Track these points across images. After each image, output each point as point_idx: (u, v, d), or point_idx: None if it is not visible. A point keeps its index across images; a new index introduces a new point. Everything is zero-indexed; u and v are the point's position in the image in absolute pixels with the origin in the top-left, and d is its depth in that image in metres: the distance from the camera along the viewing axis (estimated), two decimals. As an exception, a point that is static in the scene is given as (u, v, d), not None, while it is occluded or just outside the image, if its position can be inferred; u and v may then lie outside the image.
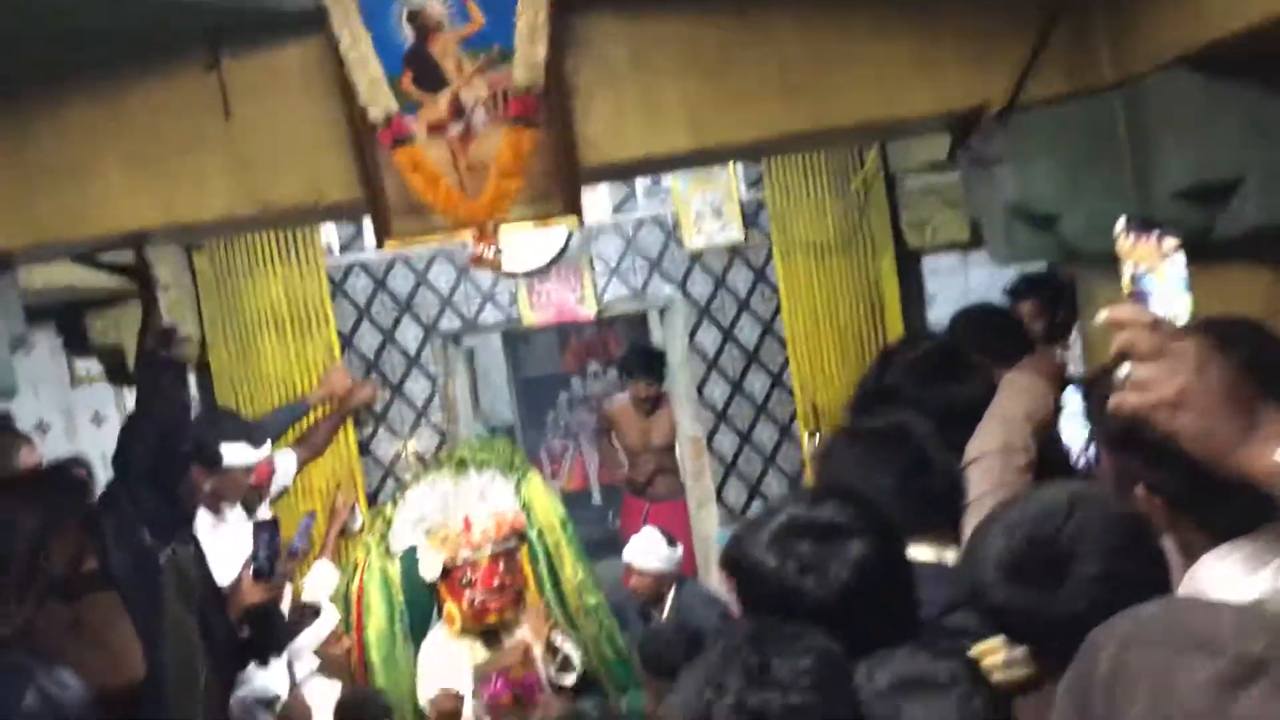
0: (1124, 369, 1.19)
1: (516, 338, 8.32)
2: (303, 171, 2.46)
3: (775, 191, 4.73)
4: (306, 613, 3.87)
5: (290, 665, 3.88)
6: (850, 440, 1.88)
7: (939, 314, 4.88)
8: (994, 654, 1.36)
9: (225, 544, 3.51)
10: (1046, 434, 2.05)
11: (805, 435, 4.82)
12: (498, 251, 2.27)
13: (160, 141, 2.46)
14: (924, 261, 4.89)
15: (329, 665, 3.95)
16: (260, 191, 2.47)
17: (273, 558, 3.48)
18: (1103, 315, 1.24)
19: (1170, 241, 1.45)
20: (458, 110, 2.37)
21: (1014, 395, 2.03)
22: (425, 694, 4.20)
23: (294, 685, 3.74)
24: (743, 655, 1.31)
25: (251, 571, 3.31)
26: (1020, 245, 2.74)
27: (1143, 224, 1.44)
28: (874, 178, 4.70)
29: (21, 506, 2.55)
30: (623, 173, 2.82)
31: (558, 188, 2.43)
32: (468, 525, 4.31)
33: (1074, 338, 4.24)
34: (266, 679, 3.51)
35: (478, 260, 2.30)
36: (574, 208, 2.46)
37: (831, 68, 2.49)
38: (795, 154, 4.67)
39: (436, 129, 2.37)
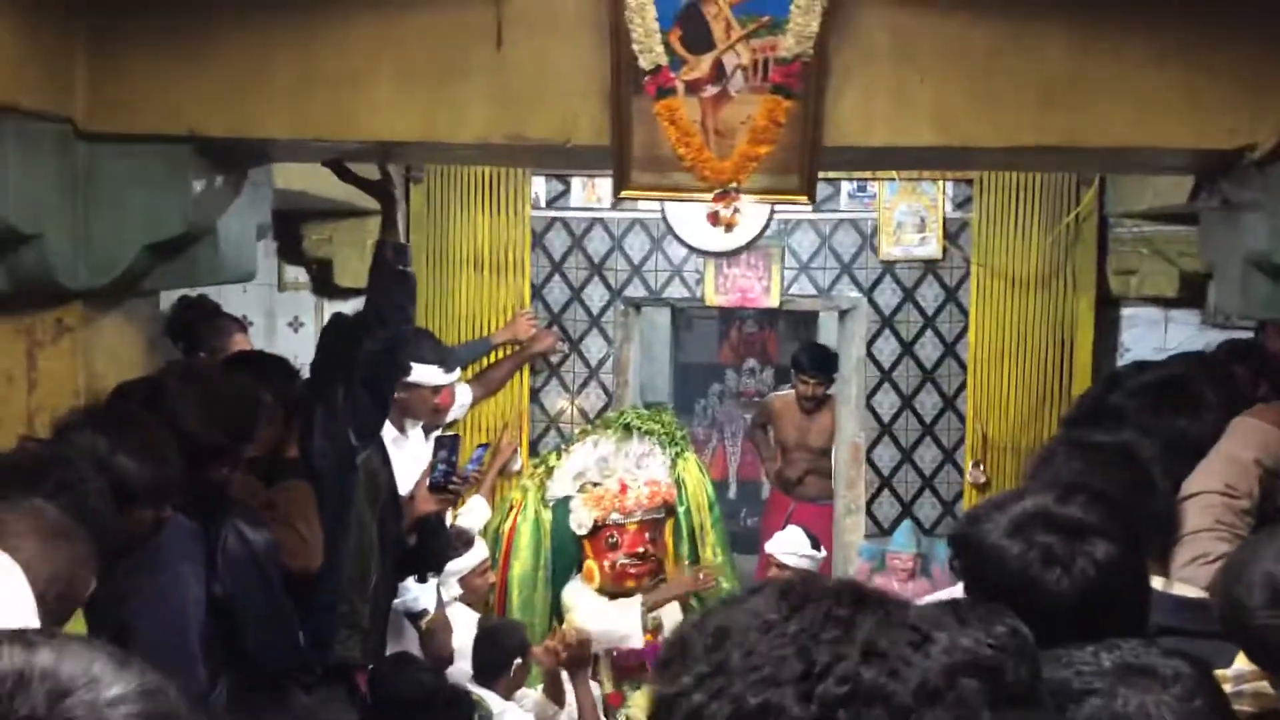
0: None
1: (684, 321, 8.40)
2: (559, 110, 2.55)
3: (982, 214, 4.67)
4: (460, 540, 4.02)
5: (439, 586, 4.04)
6: (1073, 450, 1.86)
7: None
8: (1226, 680, 1.34)
9: (405, 459, 3.67)
10: (1272, 483, 1.99)
11: (969, 463, 4.75)
12: (737, 211, 2.32)
13: (432, 62, 2.58)
14: (1123, 311, 4.76)
15: (470, 595, 4.09)
16: (515, 123, 2.57)
17: (449, 473, 3.62)
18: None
19: None
20: (718, 73, 2.42)
21: (1244, 438, 1.98)
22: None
23: (440, 605, 3.89)
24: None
25: (429, 483, 3.47)
26: (1256, 298, 2.65)
27: None
28: (1087, 218, 4.59)
29: (237, 382, 2.75)
30: (863, 160, 2.84)
31: (798, 164, 2.46)
32: (623, 488, 4.41)
33: None
34: (420, 592, 3.67)
35: (714, 219, 2.35)
36: (809, 187, 2.50)
37: (1095, 87, 2.46)
38: (1010, 179, 4.61)
39: (694, 87, 2.43)
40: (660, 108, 2.36)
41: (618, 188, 2.53)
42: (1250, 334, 4.13)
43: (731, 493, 8.26)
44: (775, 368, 8.78)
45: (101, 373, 2.70)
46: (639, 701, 3.54)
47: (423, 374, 3.77)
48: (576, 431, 4.71)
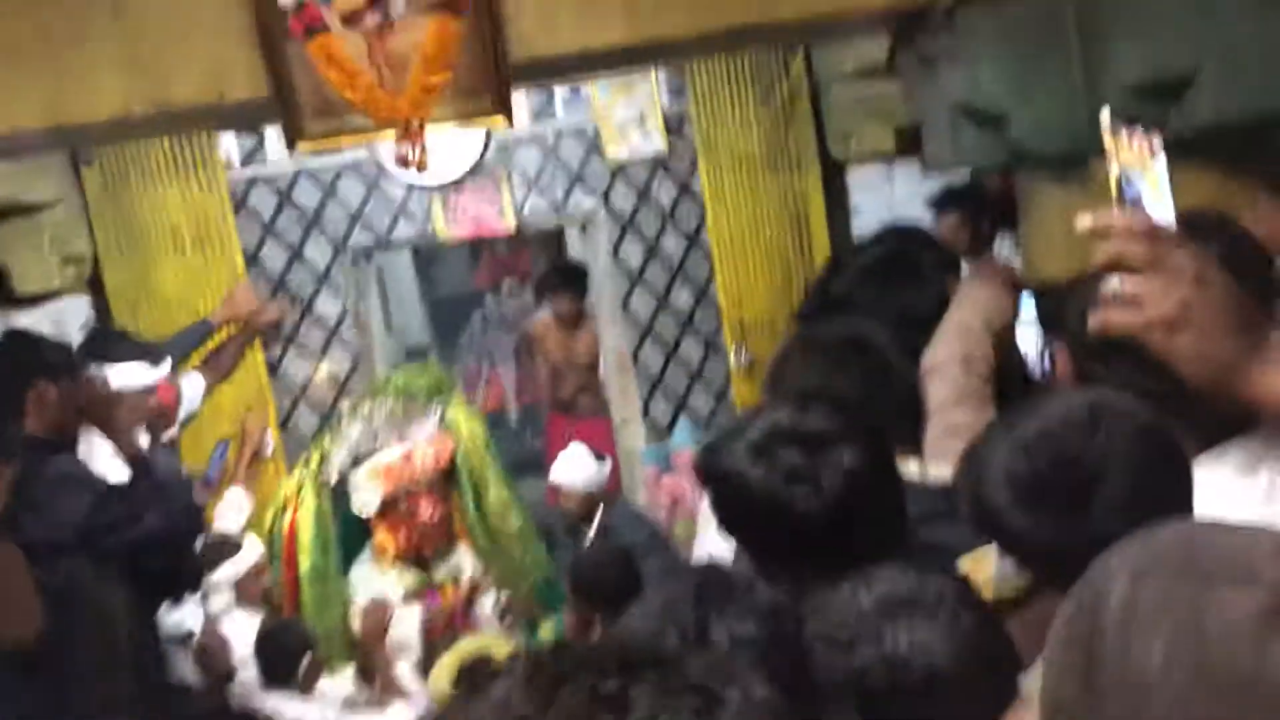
0: (1111, 282, 1.08)
1: (427, 256, 8.08)
2: (203, 67, 2.24)
3: (699, 102, 4.58)
4: (226, 548, 3.71)
5: (205, 599, 3.73)
6: (807, 348, 1.78)
7: (864, 226, 4.81)
8: (983, 569, 1.29)
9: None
10: (1006, 342, 1.98)
11: (731, 349, 4.75)
12: (424, 150, 2.10)
13: (44, 34, 2.21)
14: (849, 173, 4.81)
15: (248, 598, 3.80)
16: (156, 89, 2.25)
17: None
18: (1085, 221, 1.09)
19: (1157, 140, 1.35)
20: (376, 1, 2.17)
21: (972, 303, 1.96)
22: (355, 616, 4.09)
23: (208, 619, 3.59)
24: (681, 614, 1.19)
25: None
26: (965, 148, 2.66)
27: (1130, 120, 1.34)
28: (799, 87, 4.58)
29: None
30: (554, 70, 2.65)
31: (485, 84, 2.26)
32: (408, 457, 4.17)
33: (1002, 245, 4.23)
34: (179, 615, 3.36)
35: (403, 161, 2.12)
36: (503, 106, 2.30)
37: (776, -42, 2.35)
38: (719, 62, 4.53)
39: (352, 20, 2.17)
40: (313, 48, 2.10)
41: (290, 141, 2.25)
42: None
43: (513, 420, 8.11)
44: (535, 285, 8.60)
45: None
46: (435, 675, 3.38)
47: (126, 376, 3.38)
48: (347, 407, 4.38)
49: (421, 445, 4.22)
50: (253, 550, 3.81)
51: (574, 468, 4.45)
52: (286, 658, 3.57)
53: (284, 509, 4.12)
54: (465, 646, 3.30)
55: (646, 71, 4.53)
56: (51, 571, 2.61)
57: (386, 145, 4.41)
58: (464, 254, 8.77)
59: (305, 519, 4.09)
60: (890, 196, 4.73)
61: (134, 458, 2.87)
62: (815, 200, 4.66)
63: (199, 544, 3.60)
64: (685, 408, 4.88)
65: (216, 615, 3.68)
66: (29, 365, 2.71)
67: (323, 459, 4.19)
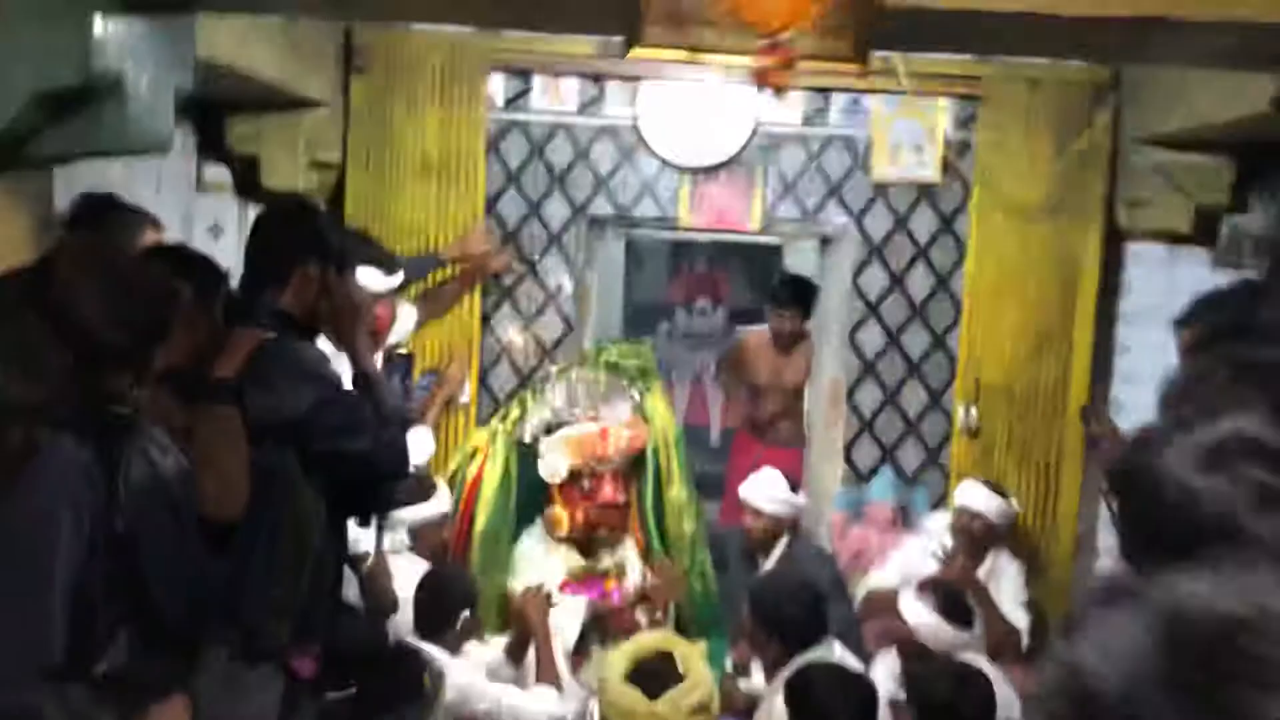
0: None
1: (635, 257, 7.94)
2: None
3: (987, 135, 4.26)
4: (420, 488, 3.55)
5: (381, 530, 3.57)
6: (1239, 370, 1.46)
7: (1133, 305, 4.41)
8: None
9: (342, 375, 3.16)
10: None
11: (960, 408, 4.39)
12: (791, 67, 1.86)
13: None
14: (1129, 247, 4.41)
15: (424, 545, 3.64)
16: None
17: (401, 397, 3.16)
18: None
19: None
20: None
21: None
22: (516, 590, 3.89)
23: (379, 550, 3.42)
24: None
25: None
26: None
27: None
28: (1101, 141, 4.21)
29: (147, 268, 2.22)
30: (924, 34, 2.39)
31: (853, 22, 2.01)
32: (604, 434, 3.99)
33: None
34: (359, 535, 3.19)
35: (762, 77, 1.88)
36: (862, 51, 2.05)
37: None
38: (1019, 97, 4.21)
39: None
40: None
41: (629, 41, 2.05)
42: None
43: (713, 438, 7.86)
44: (727, 309, 8.39)
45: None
46: (609, 662, 3.12)
47: (364, 278, 3.24)
48: (555, 370, 4.21)
49: (617, 425, 4.03)
50: (443, 500, 3.65)
51: (767, 490, 4.17)
52: (445, 609, 3.38)
53: (472, 458, 3.96)
54: (646, 641, 3.03)
55: (941, 93, 4.24)
56: (262, 455, 2.46)
57: (658, 115, 4.28)
58: (664, 264, 8.62)
59: (492, 474, 3.92)
60: (1169, 281, 4.31)
61: (367, 371, 2.71)
62: (1089, 268, 4.28)
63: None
64: (891, 459, 4.52)
65: (389, 551, 3.52)
66: (307, 241, 2.58)
67: (521, 416, 4.02)
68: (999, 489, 4.08)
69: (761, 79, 1.90)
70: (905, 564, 4.09)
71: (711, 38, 2.03)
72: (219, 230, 4.29)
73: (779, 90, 1.87)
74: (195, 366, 2.47)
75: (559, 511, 3.96)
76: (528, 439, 4.04)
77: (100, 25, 2.07)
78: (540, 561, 3.99)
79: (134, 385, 2.14)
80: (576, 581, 4.03)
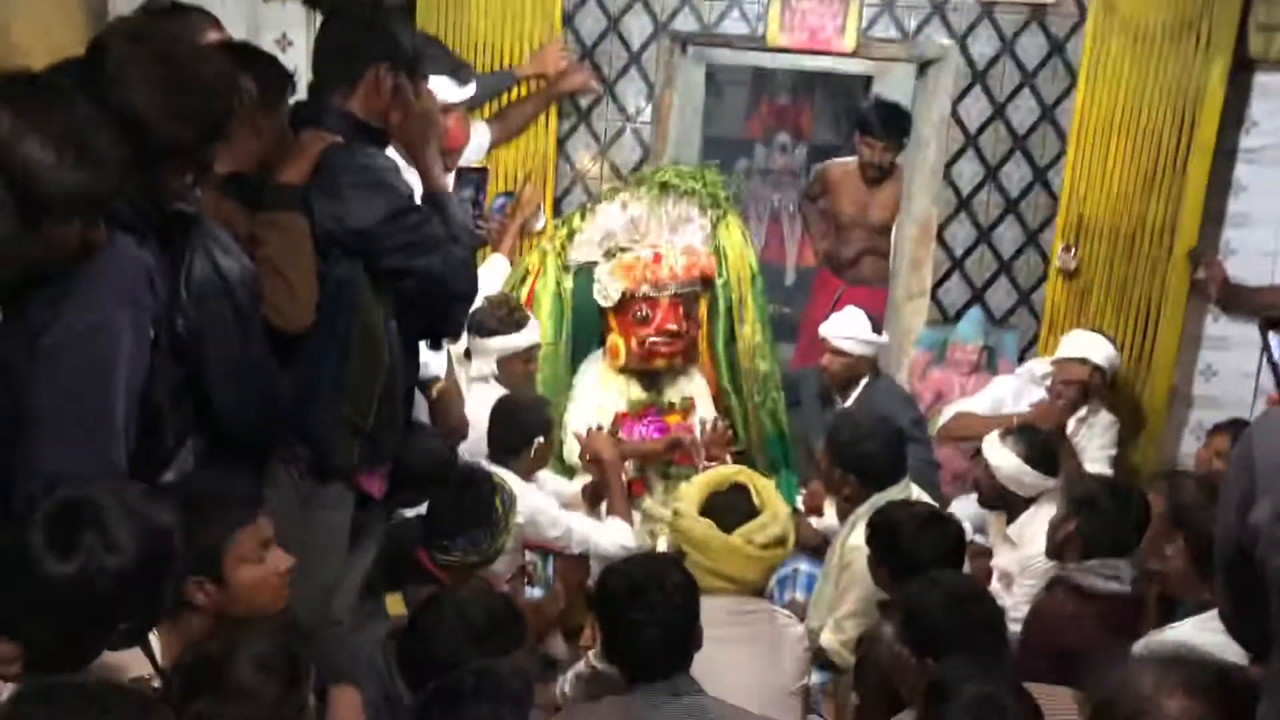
0: None
1: (716, 86, 7.60)
2: None
3: (1111, -49, 3.89)
4: (512, 317, 3.47)
5: (466, 356, 3.52)
6: None
7: (1256, 142, 4.09)
8: None
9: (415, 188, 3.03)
10: None
11: (1058, 247, 4.15)
12: None
13: None
14: (1257, 78, 4.05)
15: (507, 379, 3.58)
16: None
17: (475, 216, 3.04)
18: None
19: None
20: None
21: None
22: (575, 423, 3.83)
23: (450, 370, 3.36)
24: None
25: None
26: None
27: None
28: (1238, -41, 3.83)
29: (208, 57, 2.08)
30: None
31: None
32: (657, 258, 3.84)
33: None
34: (430, 358, 3.11)
35: None
36: None
37: None
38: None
39: None
40: None
41: None
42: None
43: (789, 277, 7.69)
44: (809, 144, 8.06)
45: (22, 45, 2.04)
46: (684, 494, 3.06)
47: (432, 85, 3.06)
48: (605, 189, 4.05)
49: (674, 251, 3.86)
50: (533, 330, 3.56)
51: (848, 327, 4.01)
52: (519, 435, 3.33)
53: (523, 280, 3.85)
54: (721, 473, 2.95)
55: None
56: (329, 266, 2.36)
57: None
58: (744, 95, 8.26)
59: (543, 294, 3.82)
60: (1294, 113, 3.98)
61: (436, 188, 2.57)
62: (1212, 99, 3.95)
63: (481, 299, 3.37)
64: (981, 299, 4.32)
65: (479, 377, 3.47)
66: (379, 40, 2.41)
67: (571, 235, 3.87)
68: (1110, 337, 3.91)
69: None
70: (996, 398, 3.96)
71: None
72: (287, 42, 4.12)
73: None
74: (260, 171, 2.36)
75: (615, 339, 3.85)
76: (582, 260, 3.90)
77: None
78: (598, 391, 3.90)
79: (194, 184, 2.03)
80: (634, 414, 3.93)
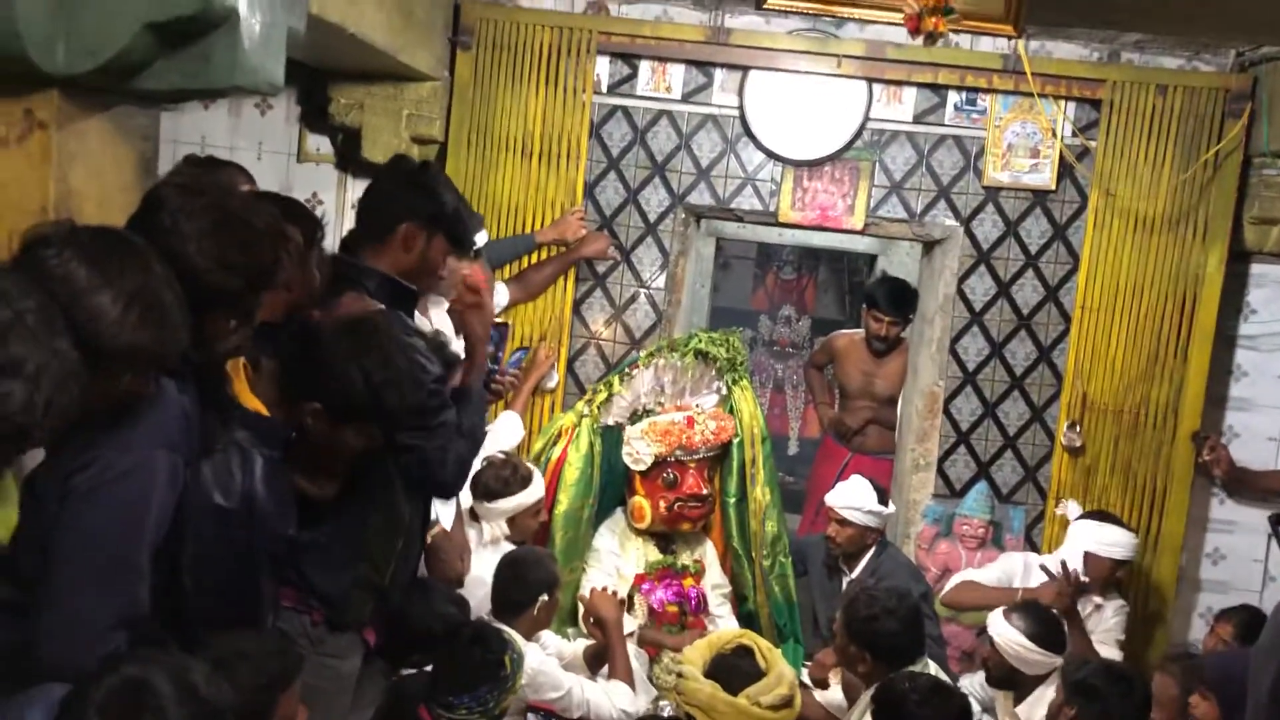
0: None
1: (721, 258, 7.82)
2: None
3: (1109, 141, 4.08)
4: (516, 476, 3.48)
5: (479, 523, 3.52)
6: None
7: (1255, 329, 4.20)
8: None
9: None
10: None
11: (1063, 425, 4.20)
12: (951, 13, 1.73)
13: None
14: (1253, 268, 4.20)
15: (519, 535, 3.57)
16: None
17: (492, 370, 3.09)
18: None
19: None
20: None
21: None
22: (596, 583, 3.80)
23: (458, 524, 3.36)
24: None
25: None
26: None
27: None
28: (1231, 156, 4.01)
29: (257, 205, 2.15)
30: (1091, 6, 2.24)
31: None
32: (690, 423, 3.89)
33: None
34: (438, 507, 3.12)
35: (914, 24, 1.76)
36: (1015, 17, 1.92)
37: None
38: (1144, 103, 4.03)
39: None
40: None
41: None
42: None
43: (791, 446, 7.75)
44: (813, 318, 8.24)
45: (78, 189, 2.13)
46: (688, 657, 3.02)
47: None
48: (643, 355, 4.10)
49: (705, 416, 3.93)
50: (538, 487, 3.57)
51: (855, 498, 4.02)
52: (526, 591, 3.29)
53: (556, 441, 3.88)
54: (726, 635, 2.91)
55: (1060, 95, 4.08)
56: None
57: (764, 106, 4.16)
58: (749, 270, 8.48)
59: (575, 457, 3.83)
60: (1292, 306, 4.10)
61: (472, 382, 2.62)
62: (1210, 287, 4.08)
63: (481, 461, 3.40)
64: (987, 474, 4.34)
65: (486, 544, 3.46)
66: (411, 201, 2.51)
67: (607, 400, 3.92)
68: (1126, 525, 3.92)
69: (913, 25, 1.76)
70: (1005, 572, 3.94)
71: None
72: (317, 201, 4.29)
73: (930, 38, 1.72)
74: (288, 318, 2.41)
75: (641, 501, 3.87)
76: (612, 423, 3.95)
77: (219, -45, 2.02)
78: (617, 552, 3.89)
79: (237, 329, 2.07)
80: (653, 576, 3.93)
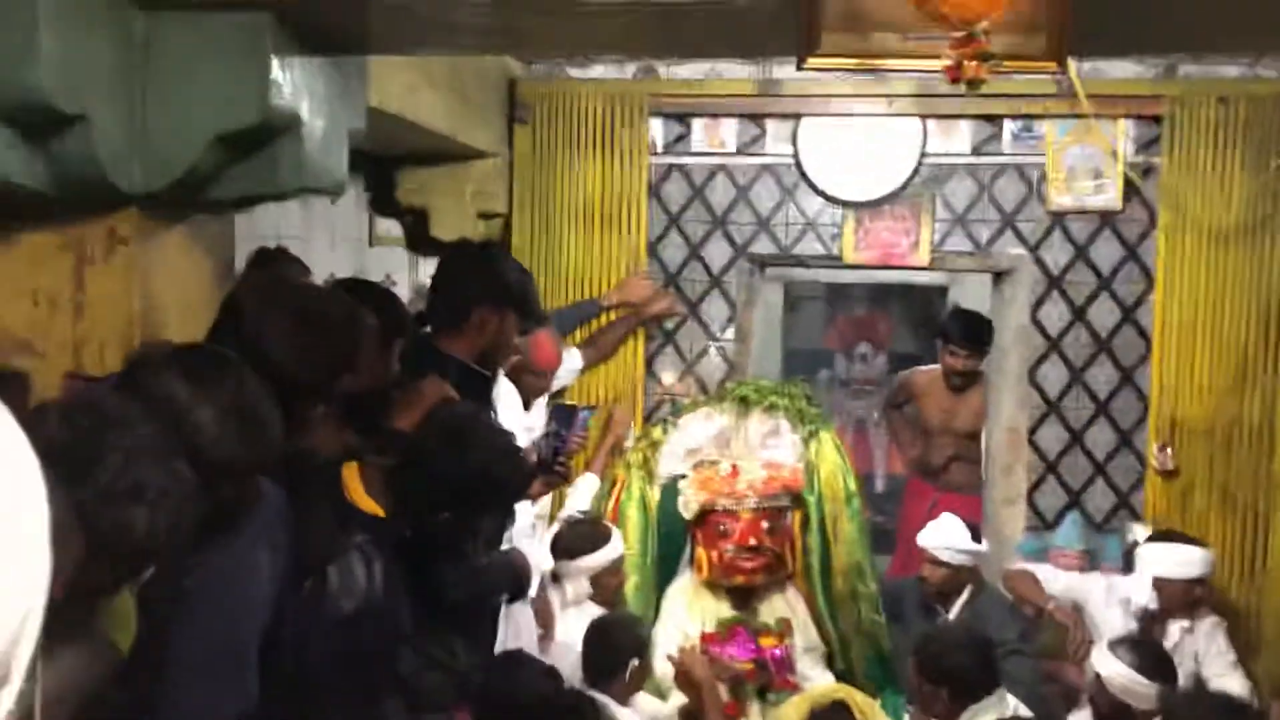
0: None
1: (791, 301, 7.82)
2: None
3: (1174, 156, 4.01)
4: (598, 533, 3.51)
5: (556, 581, 3.54)
6: None
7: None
8: None
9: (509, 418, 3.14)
10: None
11: (1153, 448, 4.09)
12: (991, 60, 1.74)
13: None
14: (1335, 271, 4.07)
15: (601, 595, 3.59)
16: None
17: (558, 450, 3.13)
18: None
19: None
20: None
21: None
22: (663, 641, 3.77)
23: (543, 592, 3.39)
24: None
25: (535, 459, 2.97)
26: None
27: None
28: (1303, 157, 3.92)
29: (332, 298, 2.23)
30: (1130, 37, 2.23)
31: (1048, 19, 1.88)
32: (734, 472, 3.86)
33: None
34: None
35: (954, 73, 1.77)
36: (1058, 52, 1.92)
37: None
38: (1206, 116, 3.96)
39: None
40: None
41: (804, 51, 1.96)
42: None
43: (877, 485, 7.66)
44: (889, 353, 8.17)
45: (160, 300, 2.23)
46: (784, 714, 2.99)
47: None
48: (685, 404, 4.14)
49: (754, 465, 3.87)
50: (616, 545, 3.59)
51: (948, 537, 3.94)
52: (616, 656, 3.29)
53: (609, 493, 3.90)
54: (821, 691, 2.88)
55: (1118, 115, 4.03)
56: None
57: (819, 152, 4.19)
58: (821, 309, 8.45)
59: (628, 507, 3.85)
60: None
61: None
62: (1294, 294, 3.96)
63: (561, 521, 3.45)
64: (1079, 503, 4.25)
65: (569, 604, 3.48)
66: (483, 286, 2.58)
67: (654, 448, 3.93)
68: (1195, 539, 3.78)
69: (954, 74, 1.78)
70: (1076, 587, 3.87)
71: (892, 44, 1.94)
72: (391, 282, 4.39)
73: (973, 84, 1.72)
74: (367, 400, 2.48)
75: (700, 550, 3.84)
76: (671, 473, 3.95)
77: (277, 66, 2.12)
78: (683, 610, 3.85)
79: (321, 413, 2.14)
80: (722, 635, 3.84)
